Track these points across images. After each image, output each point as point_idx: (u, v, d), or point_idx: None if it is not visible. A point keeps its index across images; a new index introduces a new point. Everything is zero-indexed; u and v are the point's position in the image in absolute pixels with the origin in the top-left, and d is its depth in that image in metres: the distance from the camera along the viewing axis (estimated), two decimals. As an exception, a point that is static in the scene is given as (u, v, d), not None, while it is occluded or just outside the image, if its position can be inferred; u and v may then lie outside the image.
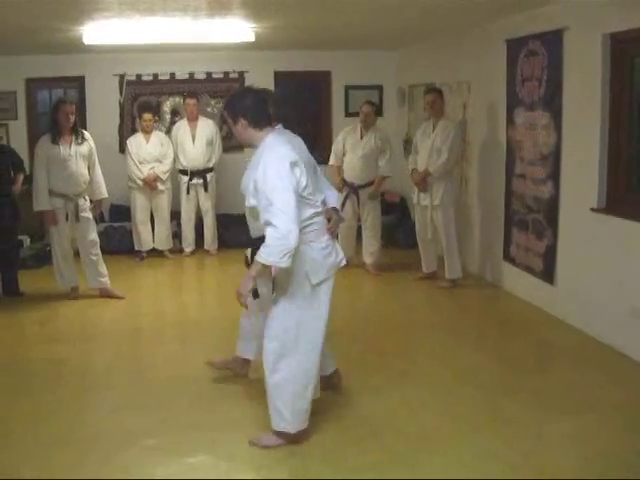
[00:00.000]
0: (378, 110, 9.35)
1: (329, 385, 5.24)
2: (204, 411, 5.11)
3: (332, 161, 9.25)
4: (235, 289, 4.34)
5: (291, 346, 4.44)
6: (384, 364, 5.89)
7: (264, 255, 4.13)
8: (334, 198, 4.79)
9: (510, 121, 7.83)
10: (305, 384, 4.51)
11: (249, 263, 5.32)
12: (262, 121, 4.41)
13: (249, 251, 5.05)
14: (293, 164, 4.23)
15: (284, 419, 4.49)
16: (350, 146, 9.01)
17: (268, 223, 4.11)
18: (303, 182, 4.28)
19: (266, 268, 4.23)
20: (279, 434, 4.55)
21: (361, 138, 9.01)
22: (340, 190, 8.63)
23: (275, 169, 4.17)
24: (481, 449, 4.44)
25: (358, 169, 8.93)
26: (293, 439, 4.55)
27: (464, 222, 8.99)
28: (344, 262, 4.67)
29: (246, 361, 5.62)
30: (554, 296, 7.12)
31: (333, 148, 9.30)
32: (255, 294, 4.64)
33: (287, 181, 4.15)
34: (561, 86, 6.80)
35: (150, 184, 9.96)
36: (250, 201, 4.34)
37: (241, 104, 4.41)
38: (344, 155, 9.05)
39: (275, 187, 4.12)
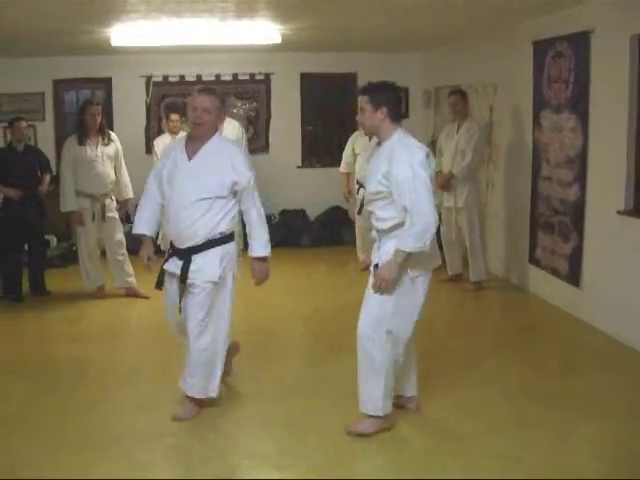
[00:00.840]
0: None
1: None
2: (228, 411, 5.12)
3: (342, 168, 9.39)
4: (379, 275, 4.41)
5: (384, 330, 4.52)
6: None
7: (411, 243, 4.30)
8: None
9: (536, 123, 7.79)
10: (391, 369, 4.60)
11: (161, 285, 5.07)
12: (397, 116, 4.58)
13: (174, 266, 4.88)
14: (427, 155, 4.45)
15: (375, 402, 4.60)
16: (362, 148, 8.98)
17: (407, 209, 4.29)
18: (430, 174, 4.45)
19: (410, 255, 4.34)
20: (373, 418, 4.65)
21: (370, 139, 9.02)
22: (348, 196, 9.56)
23: (413, 160, 4.35)
24: (503, 452, 4.40)
25: None
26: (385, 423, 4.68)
27: (490, 224, 8.97)
28: (439, 262, 4.92)
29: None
30: (580, 299, 7.08)
31: (343, 155, 9.37)
32: (160, 284, 4.97)
33: (424, 171, 4.36)
34: (588, 88, 6.76)
35: (176, 185, 10.00)
36: (378, 187, 4.46)
37: (388, 94, 4.56)
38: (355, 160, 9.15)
39: (415, 175, 4.30)
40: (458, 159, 8.16)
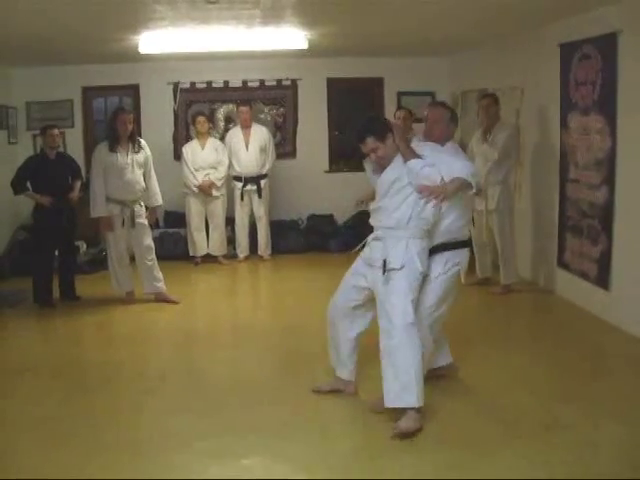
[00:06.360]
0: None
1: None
2: (258, 414, 5.15)
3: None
4: (441, 187, 4.67)
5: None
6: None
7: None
8: None
9: (564, 126, 7.77)
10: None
11: None
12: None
13: None
14: None
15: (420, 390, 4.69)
16: None
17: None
18: None
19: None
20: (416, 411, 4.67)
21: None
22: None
23: None
24: (533, 455, 4.39)
25: None
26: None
27: (517, 227, 8.94)
28: None
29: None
30: (609, 302, 7.04)
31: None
32: None
33: None
34: (616, 90, 6.73)
35: (205, 190, 10.05)
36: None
37: (377, 121, 4.81)
38: None
39: None
40: (489, 162, 8.15)
